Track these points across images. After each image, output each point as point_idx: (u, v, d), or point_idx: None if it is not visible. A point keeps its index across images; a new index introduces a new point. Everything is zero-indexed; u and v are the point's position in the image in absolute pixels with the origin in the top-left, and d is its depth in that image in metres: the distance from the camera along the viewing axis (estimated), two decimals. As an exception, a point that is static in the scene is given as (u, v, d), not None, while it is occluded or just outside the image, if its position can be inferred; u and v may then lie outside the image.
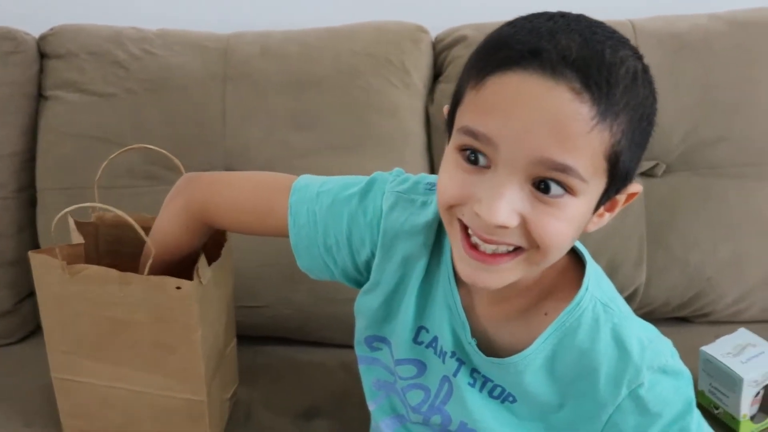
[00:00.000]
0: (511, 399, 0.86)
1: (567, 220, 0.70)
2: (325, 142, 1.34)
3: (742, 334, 1.21)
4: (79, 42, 1.37)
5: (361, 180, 0.92)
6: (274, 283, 1.32)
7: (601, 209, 0.76)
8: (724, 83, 1.34)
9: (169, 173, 1.33)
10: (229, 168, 1.34)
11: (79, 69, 1.35)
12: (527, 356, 0.82)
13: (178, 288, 0.96)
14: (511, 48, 0.67)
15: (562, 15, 0.71)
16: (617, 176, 0.71)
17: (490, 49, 0.70)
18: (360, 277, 0.94)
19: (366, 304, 0.93)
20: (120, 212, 0.96)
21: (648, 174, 1.35)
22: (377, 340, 0.95)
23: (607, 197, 0.73)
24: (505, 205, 0.68)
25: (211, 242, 1.07)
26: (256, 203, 0.97)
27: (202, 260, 1.00)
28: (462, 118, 0.71)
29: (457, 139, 0.72)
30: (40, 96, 1.39)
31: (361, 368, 1.00)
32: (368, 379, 1.00)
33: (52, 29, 1.40)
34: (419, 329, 0.90)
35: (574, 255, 0.85)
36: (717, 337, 1.22)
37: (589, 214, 0.73)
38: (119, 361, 1.05)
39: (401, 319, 0.90)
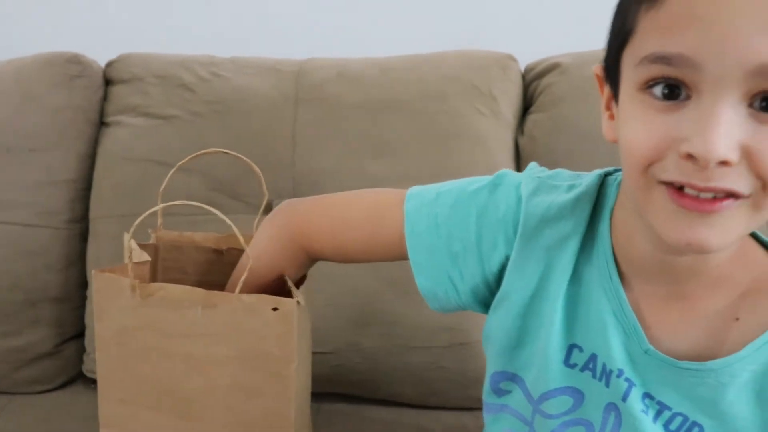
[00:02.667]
0: (696, 430, 0.68)
1: None
2: (404, 171, 1.21)
3: None
4: (145, 67, 1.30)
5: (487, 176, 0.78)
6: (342, 326, 1.17)
7: None
8: None
9: (232, 202, 1.22)
10: (296, 196, 1.21)
11: (143, 92, 1.28)
12: (734, 364, 0.64)
13: (275, 309, 0.78)
14: None
15: None
16: None
17: None
18: (491, 297, 0.77)
19: (496, 323, 0.76)
20: (227, 220, 0.80)
21: None
22: (506, 379, 0.78)
23: None
24: (724, 133, 0.54)
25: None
26: (366, 219, 0.82)
27: (290, 281, 0.84)
28: (642, 49, 0.57)
29: (639, 74, 0.58)
30: (101, 123, 1.31)
31: (487, 418, 0.83)
32: (497, 431, 0.82)
33: (119, 56, 1.34)
34: (570, 348, 0.72)
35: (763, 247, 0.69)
36: None
37: None
38: (186, 412, 0.84)
39: (544, 337, 0.73)
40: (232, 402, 0.83)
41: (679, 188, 0.57)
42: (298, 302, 0.80)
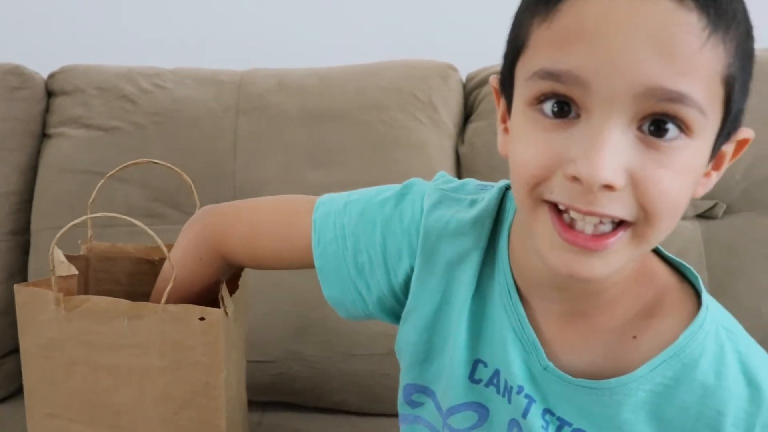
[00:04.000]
0: None
1: (683, 173, 0.55)
2: (344, 179, 1.22)
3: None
4: (87, 78, 1.30)
5: (397, 185, 0.77)
6: (283, 335, 1.18)
7: (710, 166, 0.60)
8: (788, 114, 1.20)
9: (172, 212, 1.23)
10: (238, 206, 1.22)
11: (85, 104, 1.28)
12: (629, 383, 0.64)
13: (202, 319, 0.78)
14: None
15: None
16: (731, 112, 0.56)
17: None
18: (399, 308, 0.76)
19: (405, 336, 0.76)
20: (149, 231, 0.80)
21: (707, 216, 1.20)
22: (418, 392, 0.78)
23: (718, 145, 0.58)
24: (609, 156, 0.52)
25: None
26: (277, 225, 0.81)
27: (225, 289, 0.84)
28: (532, 63, 0.56)
29: (529, 89, 0.56)
30: (43, 135, 1.31)
31: (403, 428, 0.81)
32: None
33: (62, 68, 1.34)
34: (476, 363, 0.72)
35: (670, 266, 0.68)
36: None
37: (704, 167, 0.58)
38: (117, 424, 0.84)
39: (450, 352, 0.72)
40: (164, 413, 0.83)
41: (563, 211, 0.56)
42: (225, 312, 0.81)
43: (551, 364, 0.67)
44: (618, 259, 0.58)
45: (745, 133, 0.61)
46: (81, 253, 0.96)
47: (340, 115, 1.24)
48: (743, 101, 0.58)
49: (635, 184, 0.54)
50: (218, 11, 1.52)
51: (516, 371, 0.68)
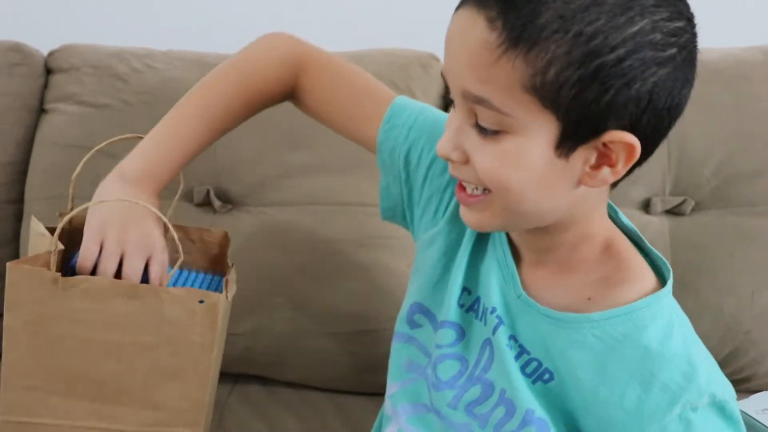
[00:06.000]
0: (546, 377, 0.75)
1: (506, 159, 0.67)
2: (321, 162, 1.26)
3: (781, 390, 1.03)
4: (83, 57, 1.35)
5: None
6: (252, 309, 1.22)
7: (593, 161, 0.66)
8: (761, 113, 1.20)
9: (156, 187, 1.27)
10: (217, 186, 1.27)
11: (79, 81, 1.33)
12: (583, 323, 0.72)
13: (202, 302, 0.83)
14: None
15: None
16: (569, 115, 0.63)
17: None
18: (416, 212, 0.89)
19: (427, 257, 0.87)
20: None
21: (675, 212, 1.21)
22: (421, 312, 0.87)
23: (572, 141, 0.65)
24: (447, 137, 0.70)
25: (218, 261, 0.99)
26: (362, 83, 0.93)
27: (233, 273, 0.89)
28: None
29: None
30: (41, 110, 1.37)
31: (395, 346, 0.90)
32: (400, 358, 0.90)
33: (61, 46, 1.39)
34: (463, 290, 0.83)
35: (645, 256, 0.76)
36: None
37: (545, 158, 0.66)
38: (99, 396, 0.86)
39: (453, 276, 0.83)
40: (149, 383, 0.86)
41: None
42: (226, 296, 0.85)
43: (524, 293, 0.77)
44: (486, 216, 0.72)
45: (616, 135, 0.64)
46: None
47: (319, 99, 1.27)
48: (590, 107, 0.62)
49: (470, 163, 0.69)
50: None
51: (493, 296, 0.79)
